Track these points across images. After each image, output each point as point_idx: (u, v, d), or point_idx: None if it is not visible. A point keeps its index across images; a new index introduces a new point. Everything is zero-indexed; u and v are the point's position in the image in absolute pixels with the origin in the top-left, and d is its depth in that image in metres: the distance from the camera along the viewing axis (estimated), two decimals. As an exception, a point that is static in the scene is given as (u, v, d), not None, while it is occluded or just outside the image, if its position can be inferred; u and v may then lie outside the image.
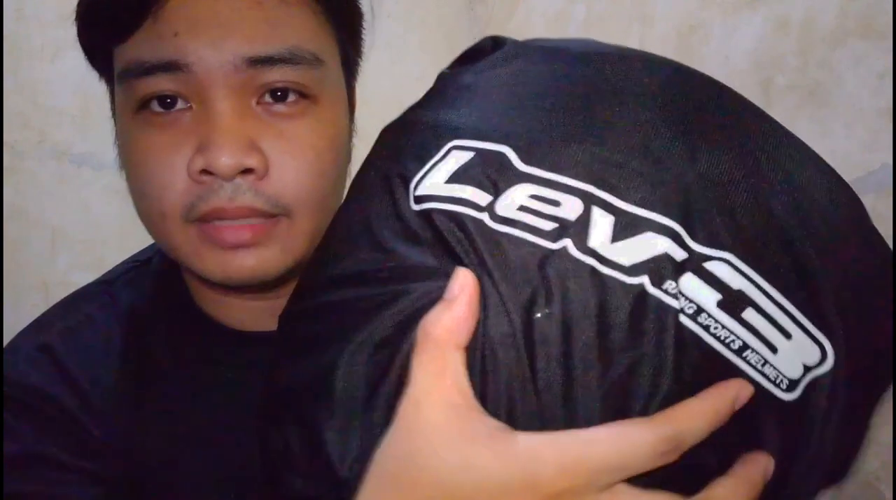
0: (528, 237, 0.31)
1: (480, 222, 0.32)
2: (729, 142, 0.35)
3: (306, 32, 0.44)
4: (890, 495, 0.90)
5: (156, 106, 0.43)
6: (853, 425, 0.35)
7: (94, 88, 1.54)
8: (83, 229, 1.48)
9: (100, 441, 0.47)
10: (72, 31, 1.58)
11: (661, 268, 0.31)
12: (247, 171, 0.42)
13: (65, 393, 0.48)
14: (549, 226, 0.31)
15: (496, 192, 0.32)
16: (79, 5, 0.46)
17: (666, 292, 0.30)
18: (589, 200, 0.31)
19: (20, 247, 1.40)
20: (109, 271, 0.59)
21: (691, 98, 0.36)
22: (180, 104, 0.43)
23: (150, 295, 0.54)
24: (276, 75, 0.43)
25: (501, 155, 0.33)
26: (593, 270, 0.31)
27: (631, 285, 0.30)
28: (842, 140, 1.01)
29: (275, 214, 0.44)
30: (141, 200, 0.46)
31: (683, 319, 0.30)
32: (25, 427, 0.45)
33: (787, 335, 0.31)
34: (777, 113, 1.18)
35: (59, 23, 1.63)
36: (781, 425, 0.32)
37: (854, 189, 0.99)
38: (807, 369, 0.32)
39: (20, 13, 1.47)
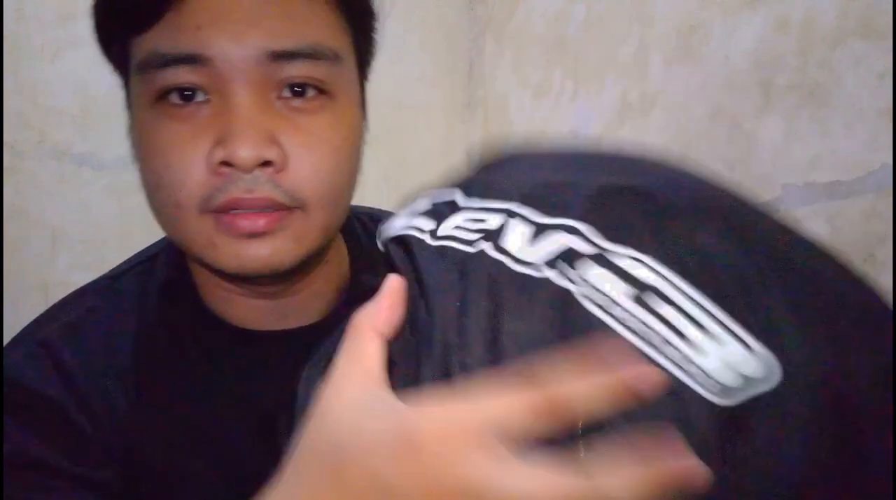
0: (455, 246, 0.36)
1: (421, 241, 0.37)
2: (657, 169, 0.40)
3: (326, 29, 0.45)
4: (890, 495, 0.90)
5: (175, 98, 0.43)
6: (855, 455, 0.33)
7: (94, 88, 1.54)
8: (83, 229, 1.48)
9: (97, 443, 0.47)
10: (72, 30, 1.58)
11: (566, 260, 0.33)
12: (266, 163, 0.43)
13: (62, 394, 0.47)
14: (473, 237, 0.36)
15: (439, 221, 0.38)
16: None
17: (570, 280, 0.33)
18: (509, 215, 0.36)
19: (20, 247, 1.40)
20: (115, 268, 0.58)
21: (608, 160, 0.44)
22: (199, 96, 0.43)
23: (155, 291, 0.53)
24: (297, 70, 0.43)
25: (452, 198, 0.40)
26: (505, 266, 0.34)
27: (539, 279, 0.33)
28: (842, 140, 1.01)
29: (290, 207, 0.44)
30: (156, 191, 0.45)
31: (589, 305, 0.31)
32: (19, 429, 0.45)
33: (716, 339, 0.31)
34: (777, 113, 1.18)
35: (59, 23, 1.64)
36: (720, 430, 0.31)
37: (854, 189, 1.00)
38: (747, 380, 0.31)
39: (20, 13, 1.47)
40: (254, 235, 0.43)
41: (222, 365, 0.51)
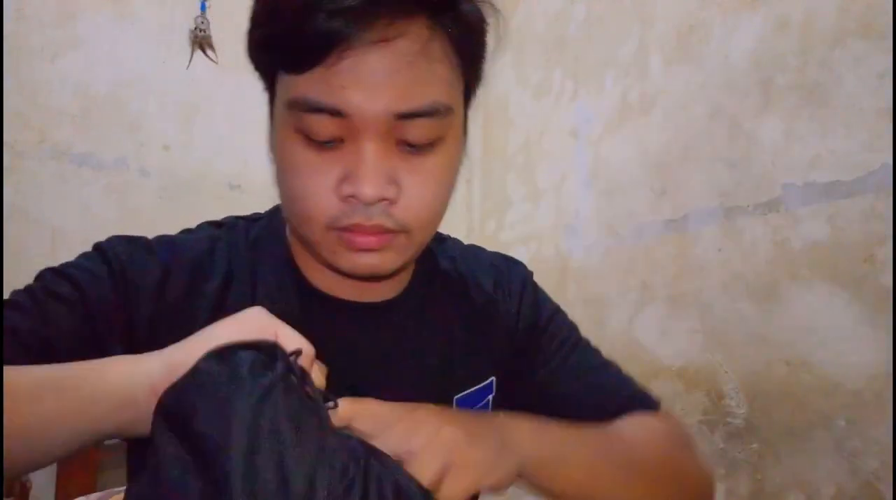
0: None
1: None
2: None
3: (444, 86, 0.52)
4: (890, 495, 0.91)
5: (316, 136, 0.52)
6: None
7: (94, 88, 1.54)
8: (83, 229, 1.48)
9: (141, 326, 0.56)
10: (72, 30, 1.58)
11: None
12: (384, 199, 0.51)
13: (145, 280, 0.57)
14: None
15: None
16: (261, 34, 0.53)
17: None
18: None
19: (20, 247, 1.41)
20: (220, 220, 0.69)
21: None
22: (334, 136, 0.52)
23: (254, 244, 0.63)
24: (416, 132, 0.51)
25: None
26: None
27: None
28: (842, 140, 1.02)
29: (397, 231, 0.53)
30: (292, 203, 0.55)
31: None
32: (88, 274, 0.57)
33: None
34: (777, 113, 1.18)
35: (59, 23, 1.64)
36: None
37: (854, 189, 1.00)
38: None
39: (20, 13, 1.47)
40: (367, 249, 0.53)
41: (305, 322, 0.58)
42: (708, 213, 1.21)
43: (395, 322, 0.62)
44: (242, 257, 0.61)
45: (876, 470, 0.93)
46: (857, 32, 1.01)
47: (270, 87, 0.56)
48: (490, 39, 0.58)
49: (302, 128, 0.51)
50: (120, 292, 0.56)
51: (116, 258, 0.58)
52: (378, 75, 0.49)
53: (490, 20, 0.57)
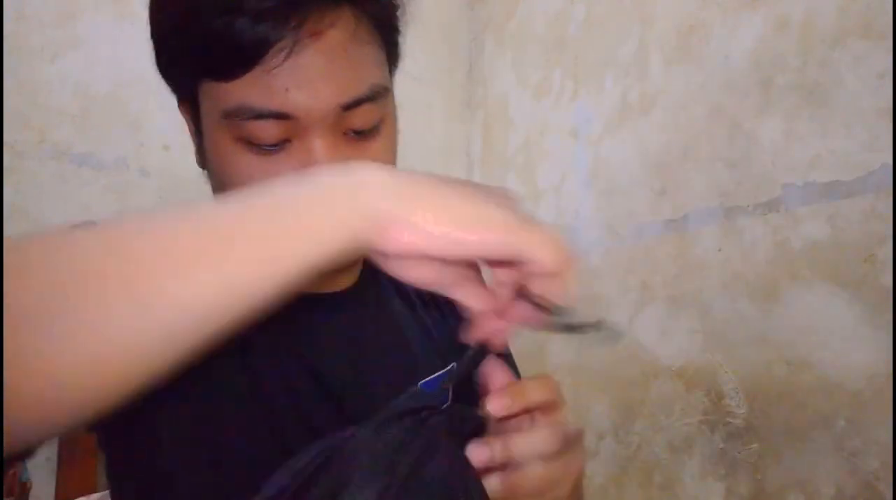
0: None
1: None
2: None
3: (377, 67, 0.52)
4: (890, 495, 0.91)
5: (261, 142, 0.50)
6: None
7: (94, 88, 1.54)
8: (83, 229, 1.49)
9: None
10: (72, 31, 1.57)
11: None
12: None
13: None
14: None
15: None
16: (178, 42, 0.51)
17: None
18: None
19: (20, 247, 1.41)
20: None
21: None
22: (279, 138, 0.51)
23: None
24: (361, 118, 0.50)
25: None
26: None
27: None
28: (842, 140, 1.02)
29: None
30: None
31: None
32: None
33: None
34: (777, 113, 1.18)
35: (59, 23, 1.64)
36: None
37: (854, 189, 1.00)
38: None
39: (20, 13, 1.47)
40: None
41: (280, 321, 0.58)
42: (708, 213, 1.21)
43: (355, 310, 0.61)
44: None
45: (876, 470, 0.93)
46: (857, 32, 1.01)
47: (189, 97, 0.54)
48: (405, 14, 0.56)
49: (244, 135, 0.50)
50: None
51: None
52: (318, 71, 0.48)
53: None
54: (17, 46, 1.45)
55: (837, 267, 0.99)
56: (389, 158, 0.54)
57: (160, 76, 0.56)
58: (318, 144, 0.50)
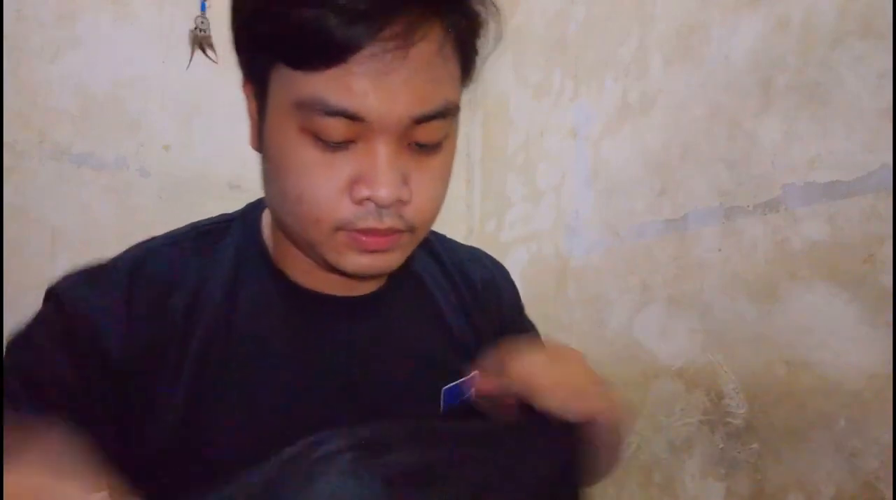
0: None
1: None
2: None
3: (454, 84, 0.53)
4: (890, 495, 0.91)
5: (329, 138, 0.51)
6: None
7: (94, 88, 1.54)
8: (83, 229, 1.48)
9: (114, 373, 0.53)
10: (72, 31, 1.58)
11: None
12: (399, 201, 0.51)
13: (108, 321, 0.55)
14: None
15: None
16: (271, 28, 0.50)
17: None
18: None
19: (20, 247, 1.41)
20: (189, 225, 0.67)
21: None
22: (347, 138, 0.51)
23: (232, 248, 0.61)
24: (429, 133, 0.51)
25: None
26: None
27: None
28: (842, 140, 1.02)
29: (405, 230, 0.54)
30: (294, 204, 0.53)
31: None
32: (56, 347, 0.53)
33: None
34: (777, 113, 1.18)
35: (59, 23, 1.63)
36: None
37: (854, 189, 1.00)
38: None
39: (20, 13, 1.47)
40: (375, 250, 0.53)
41: (293, 321, 0.60)
42: (708, 213, 1.21)
43: (382, 314, 0.62)
44: (217, 263, 0.60)
45: (876, 470, 0.93)
46: (857, 32, 1.01)
47: (261, 80, 0.54)
48: (488, 38, 0.58)
49: (311, 128, 0.50)
50: (85, 351, 0.53)
51: (74, 312, 0.54)
52: (400, 81, 0.48)
53: (491, 19, 0.57)
54: (17, 46, 1.45)
55: (837, 267, 0.99)
56: (446, 174, 0.55)
57: (235, 53, 0.56)
58: (383, 150, 0.50)
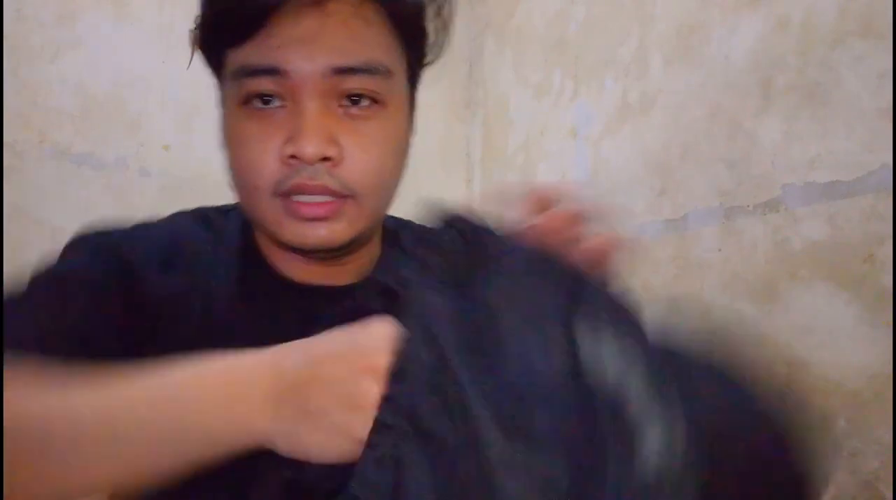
0: None
1: None
2: None
3: (381, 48, 0.54)
4: (890, 495, 0.91)
5: (257, 102, 0.53)
6: None
7: (94, 88, 1.54)
8: (83, 229, 1.48)
9: (151, 301, 0.56)
10: (72, 31, 1.57)
11: None
12: (326, 158, 0.52)
13: (119, 279, 0.56)
14: None
15: None
16: (204, 17, 0.56)
17: None
18: None
19: (20, 247, 1.40)
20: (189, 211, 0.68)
21: None
22: (276, 102, 0.53)
23: (220, 235, 0.63)
24: (355, 83, 0.53)
25: None
26: None
27: None
28: (842, 140, 1.02)
29: (344, 195, 0.54)
30: (238, 176, 0.55)
31: None
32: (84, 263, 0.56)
33: None
34: (777, 113, 1.18)
35: (59, 23, 1.63)
36: None
37: (854, 189, 1.00)
38: None
39: (20, 13, 1.47)
40: (315, 219, 0.54)
41: (281, 313, 0.59)
42: (708, 213, 1.21)
43: (355, 303, 0.59)
44: (207, 249, 0.61)
45: (876, 470, 0.93)
46: (857, 32, 1.01)
47: (218, 72, 0.57)
48: (432, 21, 0.59)
49: (244, 96, 0.53)
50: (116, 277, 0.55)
51: (130, 252, 0.57)
52: (313, 33, 0.51)
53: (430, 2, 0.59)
54: (17, 46, 1.45)
55: (837, 267, 0.99)
56: (387, 142, 0.55)
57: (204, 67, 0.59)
58: (308, 106, 0.52)
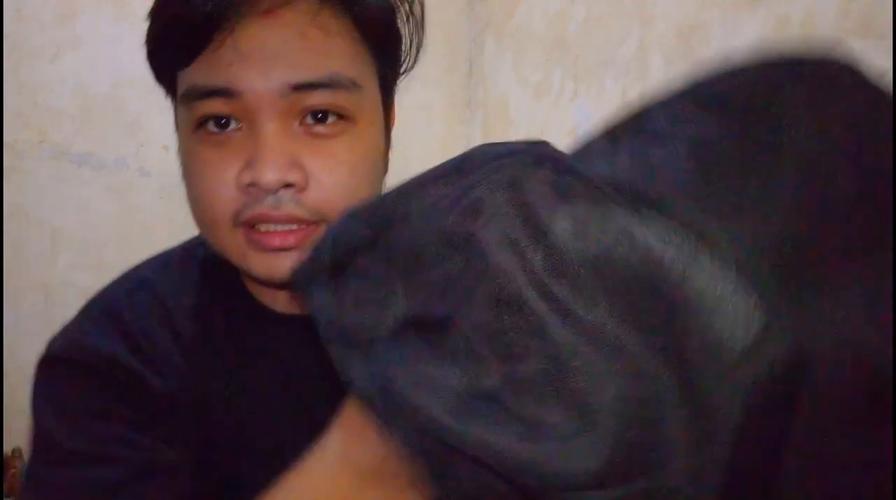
0: None
1: None
2: None
3: (346, 59, 0.49)
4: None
5: (212, 126, 0.49)
6: None
7: (94, 88, 1.54)
8: (83, 229, 1.48)
9: (167, 398, 0.51)
10: (72, 31, 1.58)
11: None
12: (288, 184, 0.47)
13: (130, 356, 0.52)
14: None
15: None
16: (149, 33, 0.51)
17: None
18: None
19: (20, 247, 1.41)
20: (158, 255, 0.63)
21: None
22: (232, 125, 0.49)
23: (202, 280, 0.58)
24: (317, 99, 0.48)
25: None
26: None
27: None
28: (842, 140, 1.01)
29: (314, 222, 0.49)
30: (196, 207, 0.51)
31: None
32: (96, 390, 0.50)
33: None
34: (777, 113, 1.17)
35: (59, 23, 1.63)
36: None
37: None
38: None
39: (20, 13, 1.47)
40: (282, 249, 0.49)
41: (271, 348, 0.56)
42: (708, 213, 1.21)
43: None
44: (185, 292, 0.56)
45: (876, 470, 0.93)
46: (857, 32, 1.01)
47: (172, 94, 0.52)
48: (404, 24, 0.54)
49: (197, 119, 0.48)
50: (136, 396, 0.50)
51: (110, 362, 0.50)
52: (267, 47, 0.46)
53: (401, 4, 0.53)
54: (17, 46, 1.45)
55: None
56: (355, 164, 0.50)
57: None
58: (266, 129, 0.47)
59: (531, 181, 0.27)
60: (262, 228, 0.48)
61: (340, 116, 0.49)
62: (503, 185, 0.27)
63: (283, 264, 0.49)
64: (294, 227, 0.48)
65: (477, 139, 1.98)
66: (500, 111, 1.88)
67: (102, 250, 1.48)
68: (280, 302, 0.56)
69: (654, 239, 0.26)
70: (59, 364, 0.52)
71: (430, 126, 1.94)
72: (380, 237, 0.29)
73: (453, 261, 0.27)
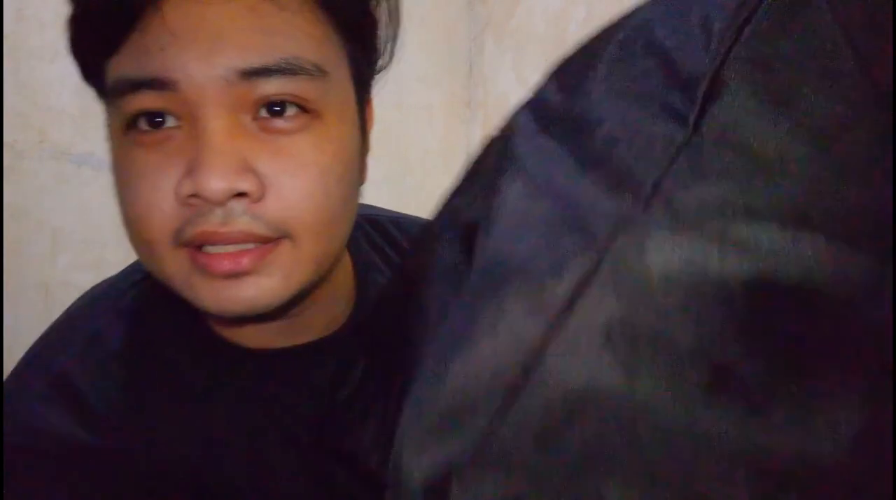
0: None
1: None
2: None
3: (307, 41, 0.40)
4: (890, 495, 0.90)
5: (143, 124, 0.40)
6: None
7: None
8: (83, 229, 1.48)
9: (133, 476, 0.43)
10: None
11: None
12: (240, 194, 0.39)
13: (87, 434, 0.43)
14: None
15: None
16: (69, 19, 0.44)
17: None
18: None
19: (20, 247, 1.40)
20: (110, 281, 0.53)
21: None
22: (170, 122, 0.40)
23: (156, 317, 0.49)
24: (273, 88, 0.39)
25: None
26: None
27: None
28: (842, 140, 1.01)
29: (274, 239, 0.40)
30: (129, 226, 0.42)
31: None
32: (55, 482, 0.41)
33: None
34: (777, 113, 1.17)
35: (59, 23, 1.63)
36: None
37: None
38: None
39: (20, 13, 1.47)
40: (235, 274, 0.39)
41: (232, 385, 0.47)
42: (708, 213, 1.21)
43: (329, 369, 0.46)
44: (131, 341, 0.47)
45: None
46: (856, 32, 1.01)
47: (101, 92, 0.44)
48: (382, 12, 0.47)
49: (127, 116, 0.40)
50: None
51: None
52: (207, 26, 0.38)
53: None
54: (17, 46, 1.45)
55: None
56: (324, 164, 0.41)
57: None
58: (213, 125, 0.38)
59: None
60: (210, 249, 0.40)
61: (302, 109, 0.41)
62: None
63: (234, 295, 0.40)
64: (249, 246, 0.40)
65: (477, 139, 1.98)
66: (500, 111, 1.88)
67: (102, 250, 1.48)
68: (247, 335, 0.47)
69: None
70: (15, 455, 0.41)
71: (430, 126, 1.94)
72: None
73: None
